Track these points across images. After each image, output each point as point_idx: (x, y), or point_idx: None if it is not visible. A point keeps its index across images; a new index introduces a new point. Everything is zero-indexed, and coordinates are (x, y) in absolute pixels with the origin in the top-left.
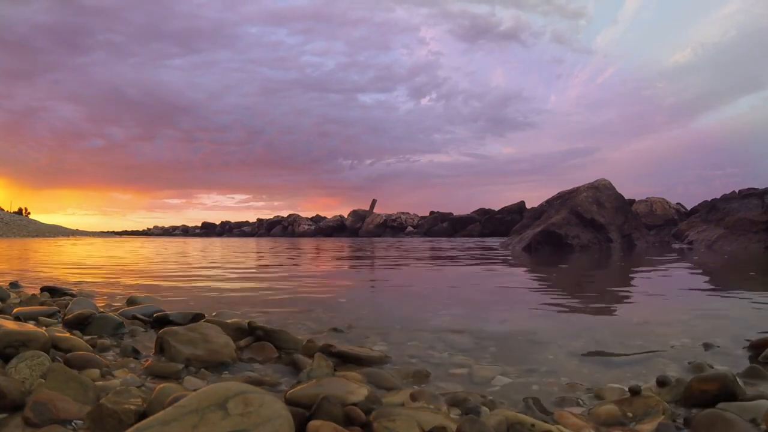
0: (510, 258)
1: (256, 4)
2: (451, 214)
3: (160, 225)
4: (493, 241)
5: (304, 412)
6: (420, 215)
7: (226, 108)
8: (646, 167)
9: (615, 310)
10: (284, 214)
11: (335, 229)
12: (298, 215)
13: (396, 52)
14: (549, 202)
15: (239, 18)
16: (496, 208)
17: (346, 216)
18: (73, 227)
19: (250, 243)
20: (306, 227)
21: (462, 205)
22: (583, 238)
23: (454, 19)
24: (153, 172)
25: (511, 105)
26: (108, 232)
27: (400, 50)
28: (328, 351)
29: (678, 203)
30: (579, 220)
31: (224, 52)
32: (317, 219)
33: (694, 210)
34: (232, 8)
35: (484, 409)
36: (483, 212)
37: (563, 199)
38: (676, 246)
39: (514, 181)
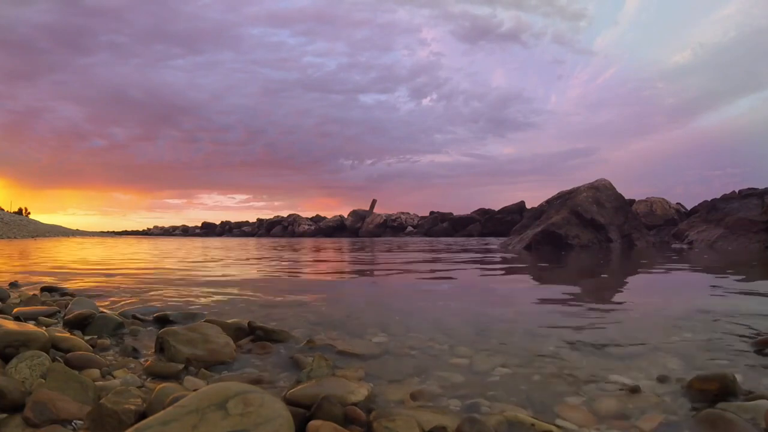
0: (509, 257)
1: (258, 6)
2: (451, 214)
3: (160, 225)
4: (493, 241)
5: (304, 412)
6: (420, 215)
7: (228, 108)
8: (646, 167)
9: (615, 307)
10: (284, 214)
11: (335, 229)
12: (298, 215)
13: (397, 53)
14: (549, 202)
15: (242, 19)
16: (497, 208)
17: (346, 216)
18: (73, 227)
19: (251, 243)
20: (306, 227)
21: (463, 205)
22: (583, 238)
23: (455, 21)
24: (154, 173)
25: (512, 105)
26: (108, 232)
27: (402, 51)
28: (329, 350)
29: (678, 203)
30: (579, 220)
31: (226, 53)
32: (317, 219)
33: (694, 210)
34: (235, 10)
35: (485, 406)
36: (483, 212)
37: (563, 199)
38: (676, 246)
39: (514, 182)
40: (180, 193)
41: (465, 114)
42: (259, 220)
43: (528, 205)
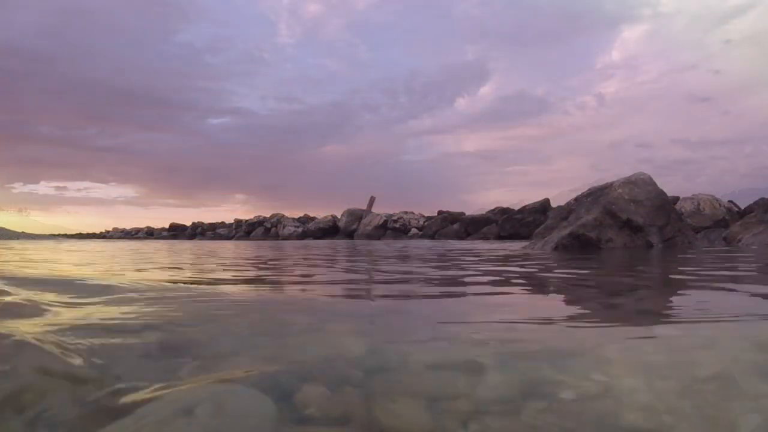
0: (534, 264)
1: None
2: (462, 213)
3: (120, 227)
4: (514, 245)
5: (292, 373)
6: (425, 215)
7: (227, 109)
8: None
9: (634, 307)
10: (286, 213)
11: (327, 231)
12: (284, 215)
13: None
14: (578, 200)
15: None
16: (494, 207)
17: (339, 216)
18: (18, 229)
19: (228, 246)
20: (292, 229)
21: (463, 205)
22: (618, 241)
23: (457, 23)
24: (151, 172)
25: (513, 105)
26: (60, 235)
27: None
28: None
29: (730, 201)
30: (614, 221)
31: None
32: (305, 220)
33: (749, 209)
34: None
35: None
36: (501, 211)
37: (595, 196)
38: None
39: (515, 181)
40: (178, 193)
41: (465, 114)
42: (237, 221)
43: (526, 205)
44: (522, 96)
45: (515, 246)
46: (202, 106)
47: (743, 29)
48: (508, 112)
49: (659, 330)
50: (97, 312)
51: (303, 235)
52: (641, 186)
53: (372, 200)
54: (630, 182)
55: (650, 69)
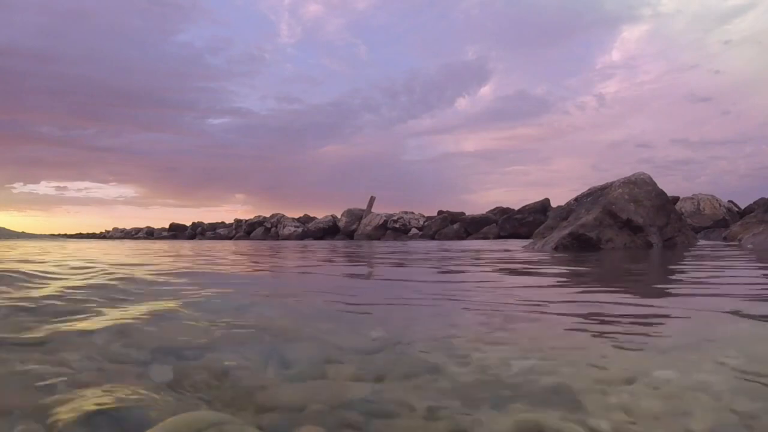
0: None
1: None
2: (462, 213)
3: (120, 227)
4: (515, 244)
5: (290, 417)
6: (424, 215)
7: (227, 109)
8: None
9: (651, 303)
10: (286, 213)
11: (327, 231)
12: (284, 215)
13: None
14: (578, 200)
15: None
16: (494, 207)
17: (339, 216)
18: (18, 229)
19: (231, 246)
20: (292, 229)
21: (463, 205)
22: (618, 241)
23: (456, 23)
24: (151, 172)
25: (513, 105)
26: (60, 235)
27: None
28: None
29: (730, 201)
30: (613, 221)
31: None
32: (305, 219)
33: (749, 209)
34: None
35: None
36: (501, 211)
37: (595, 195)
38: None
39: (515, 181)
40: (173, 192)
41: (466, 113)
42: (237, 220)
43: (524, 206)
44: (522, 96)
45: (515, 246)
46: (202, 106)
47: (743, 29)
48: (508, 112)
49: None
50: None
51: (303, 235)
52: (641, 186)
53: (372, 200)
54: (630, 182)
55: (650, 69)
